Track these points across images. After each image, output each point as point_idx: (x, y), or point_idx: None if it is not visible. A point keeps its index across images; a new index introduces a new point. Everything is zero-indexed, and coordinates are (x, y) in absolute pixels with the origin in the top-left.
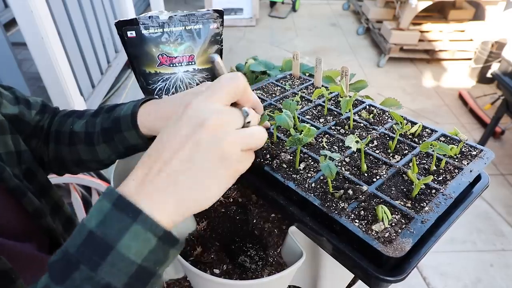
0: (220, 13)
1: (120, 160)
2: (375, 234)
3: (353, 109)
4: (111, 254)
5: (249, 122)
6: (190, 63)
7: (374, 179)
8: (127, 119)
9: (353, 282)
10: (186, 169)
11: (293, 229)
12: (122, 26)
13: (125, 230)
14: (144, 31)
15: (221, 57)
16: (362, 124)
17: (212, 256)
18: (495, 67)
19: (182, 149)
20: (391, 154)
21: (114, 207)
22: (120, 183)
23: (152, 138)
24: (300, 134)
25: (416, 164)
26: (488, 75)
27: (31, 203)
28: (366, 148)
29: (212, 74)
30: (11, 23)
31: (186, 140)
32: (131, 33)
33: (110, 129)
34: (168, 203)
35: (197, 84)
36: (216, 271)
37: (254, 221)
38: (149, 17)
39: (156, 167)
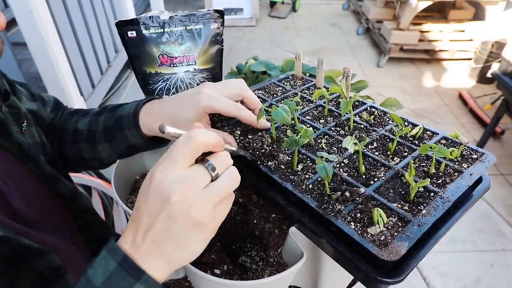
0: (221, 13)
1: (121, 161)
2: (371, 237)
3: (354, 110)
4: None
5: (217, 174)
6: (190, 63)
7: (372, 181)
8: (129, 118)
9: (353, 282)
10: (166, 237)
11: (293, 230)
12: (123, 26)
13: None
14: (144, 31)
15: (222, 57)
16: (362, 126)
17: (213, 256)
18: (495, 67)
19: (157, 221)
20: (390, 156)
21: (119, 266)
22: (120, 182)
23: (153, 138)
24: (296, 136)
25: (416, 166)
26: (488, 75)
27: (66, 186)
28: (365, 150)
29: (212, 74)
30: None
31: (158, 215)
32: (132, 33)
33: (112, 128)
34: (158, 263)
35: (198, 85)
36: (217, 271)
37: (255, 221)
38: (150, 17)
39: (140, 233)
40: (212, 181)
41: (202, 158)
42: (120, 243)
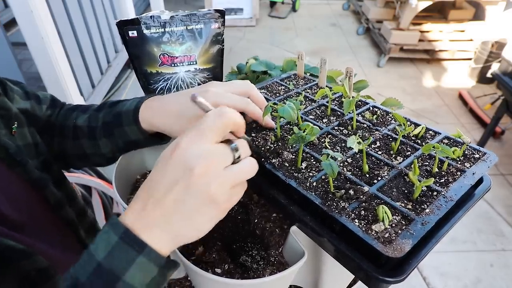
0: (222, 13)
1: (122, 159)
2: (375, 234)
3: (356, 110)
4: (119, 285)
5: (239, 157)
6: (191, 63)
7: (376, 180)
8: (128, 114)
9: (354, 281)
10: (178, 209)
11: (294, 229)
12: (124, 25)
13: (131, 262)
14: (145, 31)
15: (222, 57)
16: (365, 125)
17: (214, 255)
18: (495, 67)
19: (172, 192)
20: (393, 156)
21: (121, 240)
22: (120, 182)
23: (153, 134)
24: (303, 132)
25: (419, 166)
26: (488, 75)
27: (53, 194)
28: (368, 149)
29: (213, 74)
30: (11, 23)
31: (176, 184)
32: (133, 33)
33: (110, 123)
34: (164, 236)
35: (199, 84)
36: (218, 270)
37: (256, 220)
38: (151, 16)
39: (150, 204)
40: (233, 163)
41: (226, 140)
42: (123, 216)
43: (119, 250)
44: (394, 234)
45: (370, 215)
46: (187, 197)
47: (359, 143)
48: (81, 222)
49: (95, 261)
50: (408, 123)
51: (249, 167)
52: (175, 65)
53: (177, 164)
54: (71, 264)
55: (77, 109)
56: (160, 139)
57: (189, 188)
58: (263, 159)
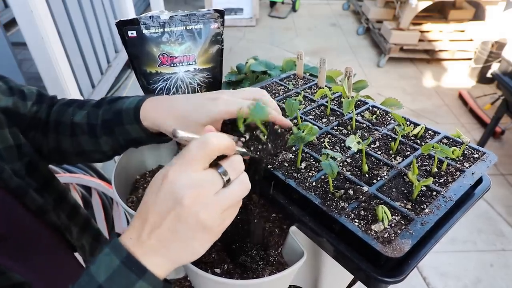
0: (221, 13)
1: (121, 160)
2: (375, 234)
3: (356, 109)
4: None
5: (229, 179)
6: (190, 63)
7: (375, 180)
8: (129, 113)
9: (353, 282)
10: (173, 237)
11: (294, 229)
12: (123, 25)
13: (131, 285)
14: (145, 31)
15: (222, 56)
16: (364, 125)
17: (213, 255)
18: (495, 67)
19: (165, 221)
20: (392, 156)
21: (122, 264)
22: (120, 182)
23: (155, 133)
24: (302, 133)
25: (418, 166)
26: (488, 75)
27: (34, 200)
28: (367, 149)
29: (212, 74)
30: (11, 23)
31: (168, 214)
32: (132, 33)
33: (110, 121)
34: (161, 261)
35: (198, 84)
36: (217, 270)
37: (255, 220)
38: (150, 16)
39: (147, 230)
40: (224, 186)
41: (216, 163)
42: (123, 239)
43: (120, 274)
44: (393, 234)
45: (370, 215)
46: (179, 226)
47: (358, 143)
48: (73, 220)
49: (95, 283)
50: (408, 123)
51: (241, 188)
52: (175, 65)
53: (167, 195)
54: (58, 274)
55: (73, 104)
56: (162, 136)
57: (180, 218)
58: (264, 164)
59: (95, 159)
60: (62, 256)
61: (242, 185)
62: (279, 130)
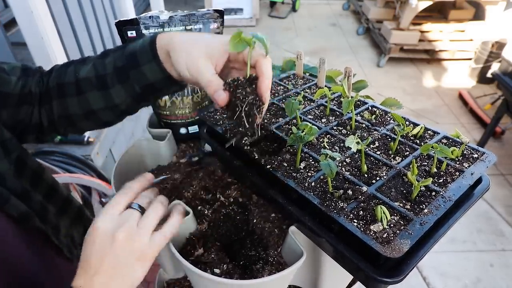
0: (221, 13)
1: (121, 160)
2: (374, 234)
3: (355, 109)
4: None
5: (143, 209)
6: None
7: (374, 180)
8: (145, 51)
9: (353, 282)
10: (114, 273)
11: (293, 229)
12: (123, 26)
13: None
14: (144, 31)
15: None
16: (364, 125)
17: (213, 256)
18: (495, 67)
19: (105, 261)
20: (392, 156)
21: None
22: (120, 183)
23: (171, 77)
24: (302, 132)
25: (417, 166)
26: (488, 75)
27: (16, 207)
28: (367, 149)
29: None
30: (11, 23)
31: (106, 255)
32: (132, 33)
33: (125, 66)
34: None
35: None
36: (217, 270)
37: (255, 221)
38: (150, 17)
39: (90, 274)
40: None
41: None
42: (73, 286)
43: None
44: (392, 234)
45: (369, 215)
46: (119, 260)
47: (357, 143)
48: (63, 213)
49: None
50: (407, 123)
51: (154, 212)
52: None
53: (101, 238)
54: (46, 279)
55: (72, 64)
56: (177, 82)
57: (117, 254)
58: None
59: (105, 122)
60: (48, 259)
61: (155, 210)
62: (252, 101)
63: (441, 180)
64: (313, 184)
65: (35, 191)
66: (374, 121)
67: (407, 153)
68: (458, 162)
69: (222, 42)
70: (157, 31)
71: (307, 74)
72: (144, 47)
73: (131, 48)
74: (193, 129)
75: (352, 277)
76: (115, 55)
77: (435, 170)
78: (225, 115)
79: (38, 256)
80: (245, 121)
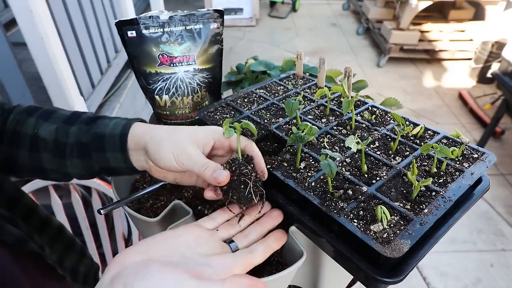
0: (221, 13)
1: None
2: (374, 234)
3: (355, 109)
4: None
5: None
6: (190, 63)
7: (374, 180)
8: (113, 140)
9: (353, 282)
10: None
11: (293, 229)
12: (123, 26)
13: None
14: (144, 31)
15: (221, 56)
16: (364, 125)
17: None
18: (495, 67)
19: None
20: (392, 156)
21: None
22: (120, 183)
23: (135, 167)
24: (302, 132)
25: (417, 166)
26: (488, 75)
27: (10, 233)
28: (367, 149)
29: (212, 74)
30: (11, 23)
31: None
32: (132, 33)
33: (88, 145)
34: None
35: (197, 85)
36: None
37: None
38: (150, 17)
39: None
40: None
41: None
42: None
43: None
44: (392, 234)
45: (369, 215)
46: None
47: (357, 143)
48: (43, 231)
49: None
50: (407, 123)
51: None
52: (174, 65)
53: None
54: None
55: (34, 113)
56: (138, 171)
57: None
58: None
59: (51, 178)
60: (46, 282)
61: None
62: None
63: (441, 180)
64: (313, 184)
65: (14, 214)
66: (374, 121)
67: (407, 153)
68: (458, 162)
69: (206, 130)
70: (157, 31)
71: (307, 74)
72: (114, 137)
73: (100, 128)
74: None
75: (352, 277)
76: (81, 128)
77: (435, 170)
78: (221, 193)
79: (35, 280)
80: (253, 195)
